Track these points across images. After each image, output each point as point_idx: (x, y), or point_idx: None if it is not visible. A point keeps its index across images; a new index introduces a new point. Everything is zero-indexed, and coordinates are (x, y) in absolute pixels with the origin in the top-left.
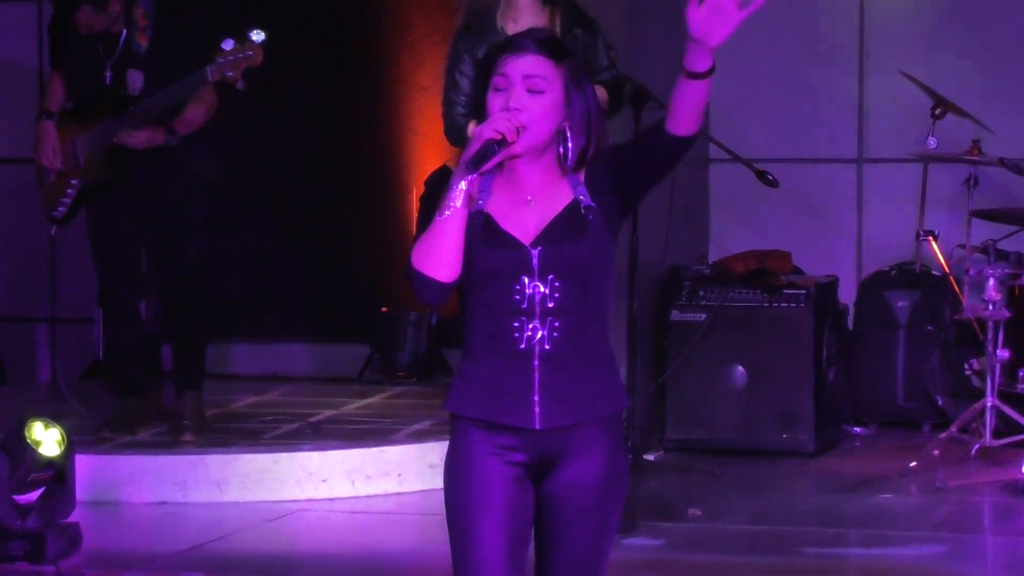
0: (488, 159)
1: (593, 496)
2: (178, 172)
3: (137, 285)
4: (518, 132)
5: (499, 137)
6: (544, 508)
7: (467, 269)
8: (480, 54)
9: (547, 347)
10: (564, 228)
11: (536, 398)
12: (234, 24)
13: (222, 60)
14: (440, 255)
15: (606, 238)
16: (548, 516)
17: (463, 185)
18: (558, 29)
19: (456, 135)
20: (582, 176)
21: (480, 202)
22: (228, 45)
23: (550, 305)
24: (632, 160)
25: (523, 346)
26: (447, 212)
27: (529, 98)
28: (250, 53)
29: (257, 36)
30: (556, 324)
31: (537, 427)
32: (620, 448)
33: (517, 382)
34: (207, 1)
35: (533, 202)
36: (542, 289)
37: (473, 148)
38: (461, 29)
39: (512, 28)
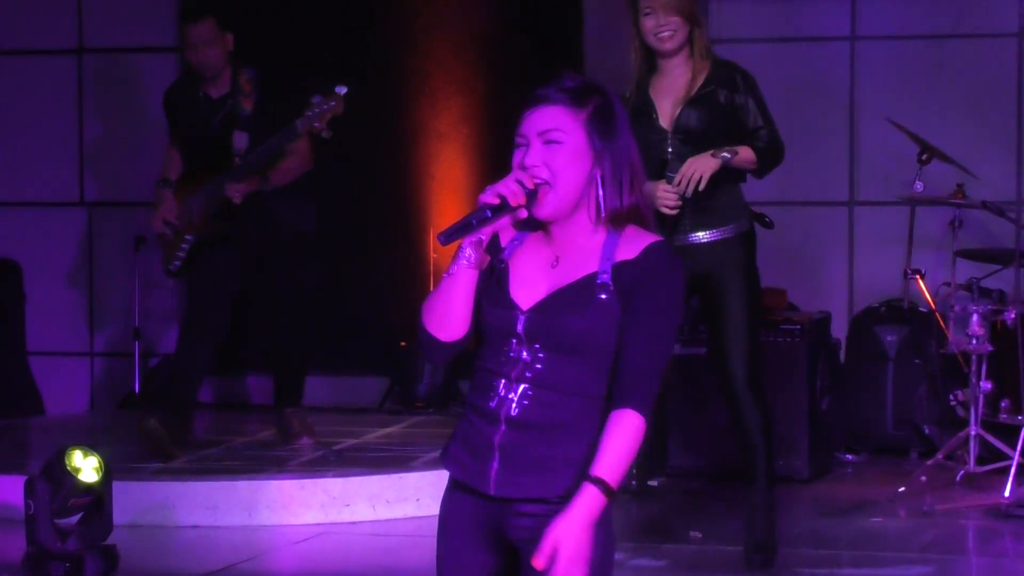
0: (475, 225)
1: None
2: (277, 226)
3: (225, 326)
4: (532, 195)
5: (497, 201)
6: None
7: (477, 320)
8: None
9: (513, 413)
10: (569, 300)
11: (494, 460)
12: (322, 82)
13: (310, 113)
14: (440, 314)
15: (614, 318)
16: None
17: (467, 249)
18: (698, 83)
19: None
20: (618, 250)
21: (506, 252)
22: (316, 99)
23: (528, 374)
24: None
25: (493, 405)
26: (451, 272)
27: (546, 151)
28: (333, 104)
29: (340, 89)
30: (530, 393)
31: (491, 492)
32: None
33: (483, 443)
34: (302, 68)
35: (559, 264)
36: (525, 356)
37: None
38: (622, 95)
39: (655, 85)
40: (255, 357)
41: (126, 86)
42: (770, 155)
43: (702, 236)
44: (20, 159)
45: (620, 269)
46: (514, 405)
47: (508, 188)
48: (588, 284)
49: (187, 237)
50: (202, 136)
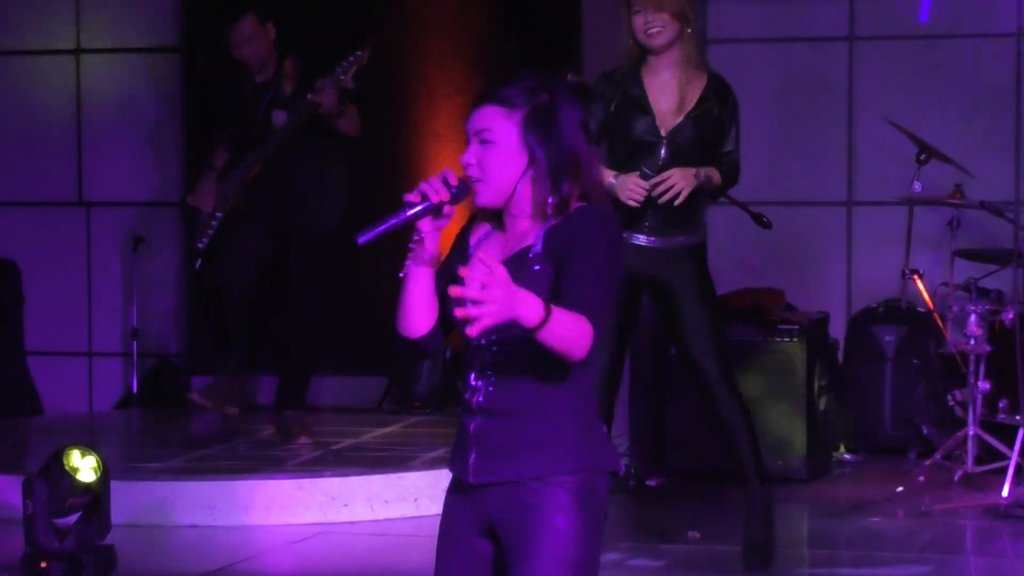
0: (394, 225)
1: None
2: (308, 224)
3: (246, 301)
4: (458, 190)
5: (419, 199)
6: None
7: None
8: (612, 106)
9: (481, 399)
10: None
11: (472, 450)
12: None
13: (339, 69)
14: (402, 312)
15: (549, 285)
16: None
17: (412, 248)
18: (695, 94)
19: None
20: (552, 224)
21: (471, 248)
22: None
23: (488, 360)
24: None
25: (468, 396)
26: (403, 272)
27: (480, 150)
28: (359, 53)
29: (370, 39)
30: (493, 380)
31: (471, 480)
32: (569, 509)
33: (464, 435)
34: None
35: (506, 248)
36: (483, 342)
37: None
38: (606, 72)
39: (648, 81)
40: (270, 358)
41: (124, 86)
42: (730, 179)
43: (652, 240)
44: (20, 159)
45: (551, 234)
46: (481, 394)
47: (431, 186)
48: (522, 257)
49: (217, 215)
50: (248, 119)
